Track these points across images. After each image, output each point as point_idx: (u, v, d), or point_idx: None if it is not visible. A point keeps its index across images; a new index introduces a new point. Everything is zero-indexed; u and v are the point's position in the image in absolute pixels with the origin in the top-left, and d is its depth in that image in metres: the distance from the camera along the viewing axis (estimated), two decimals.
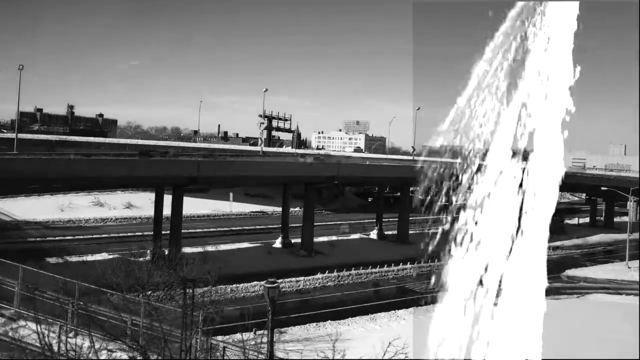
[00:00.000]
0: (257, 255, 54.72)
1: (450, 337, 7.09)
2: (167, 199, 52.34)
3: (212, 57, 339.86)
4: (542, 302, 7.06)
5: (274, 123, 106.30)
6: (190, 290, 16.26)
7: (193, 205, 68.91)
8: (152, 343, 16.19)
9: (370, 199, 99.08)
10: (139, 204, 75.92)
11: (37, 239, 56.82)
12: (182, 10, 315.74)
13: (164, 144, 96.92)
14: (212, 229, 67.52)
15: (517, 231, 6.65)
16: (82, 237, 59.57)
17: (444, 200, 6.93)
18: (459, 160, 6.53)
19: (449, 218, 7.00)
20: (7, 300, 23.54)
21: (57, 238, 56.92)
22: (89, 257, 47.19)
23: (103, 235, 60.87)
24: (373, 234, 68.86)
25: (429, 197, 6.91)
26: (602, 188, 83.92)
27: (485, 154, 6.60)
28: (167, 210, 52.40)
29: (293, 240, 59.66)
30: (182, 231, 51.71)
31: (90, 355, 15.42)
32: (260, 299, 18.94)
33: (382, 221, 69.28)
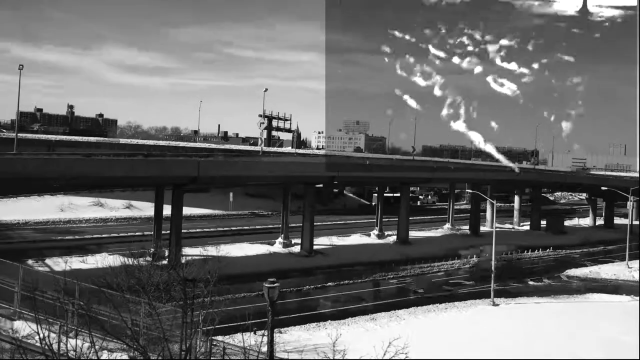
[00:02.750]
0: (257, 255, 54.74)
1: None
2: (167, 199, 52.32)
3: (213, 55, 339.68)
4: None
5: (274, 123, 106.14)
6: (190, 290, 16.25)
7: (193, 205, 68.92)
8: (152, 343, 16.17)
9: (373, 204, 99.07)
10: (139, 204, 75.95)
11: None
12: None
13: (164, 143, 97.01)
14: (212, 229, 67.55)
15: None
16: (61, 237, 59.58)
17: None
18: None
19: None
20: (7, 300, 23.56)
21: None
22: (89, 257, 47.29)
23: (103, 235, 60.92)
24: (373, 234, 68.84)
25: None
26: (602, 188, 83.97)
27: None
28: (167, 211, 52.40)
29: (293, 240, 59.65)
30: (182, 231, 51.69)
31: (90, 355, 15.40)
32: (260, 299, 18.95)
33: (382, 221, 69.25)
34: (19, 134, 61.32)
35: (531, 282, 53.16)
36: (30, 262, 43.35)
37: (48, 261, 45.31)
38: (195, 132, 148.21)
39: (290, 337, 30.81)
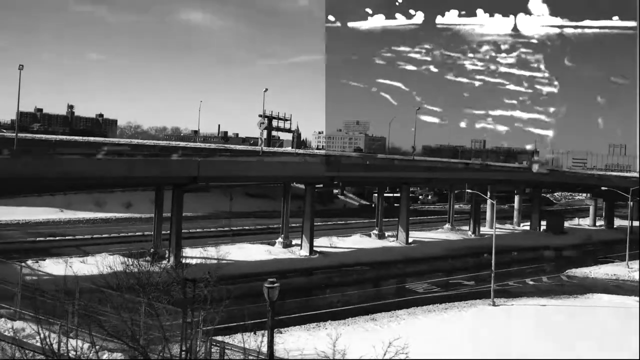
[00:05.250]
0: (257, 255, 54.69)
1: None
2: (168, 198, 52.30)
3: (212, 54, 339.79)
4: None
5: (274, 123, 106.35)
6: (191, 291, 16.26)
7: (193, 205, 68.86)
8: (153, 343, 16.17)
9: (373, 205, 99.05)
10: (139, 204, 75.91)
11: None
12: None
13: (164, 143, 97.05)
14: (212, 229, 67.50)
15: None
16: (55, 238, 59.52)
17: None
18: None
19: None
20: (7, 300, 23.56)
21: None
22: (89, 258, 47.24)
23: (103, 235, 60.91)
24: (373, 234, 68.81)
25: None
26: (602, 188, 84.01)
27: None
28: (167, 211, 52.36)
29: (293, 241, 59.65)
30: (182, 231, 51.69)
31: (90, 355, 15.41)
32: (260, 298, 18.97)
33: (382, 221, 69.23)
34: (19, 134, 61.38)
35: (531, 282, 53.18)
36: (30, 262, 43.31)
37: (48, 261, 45.26)
38: (195, 132, 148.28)
39: (290, 337, 30.82)
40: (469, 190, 73.07)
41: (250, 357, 19.55)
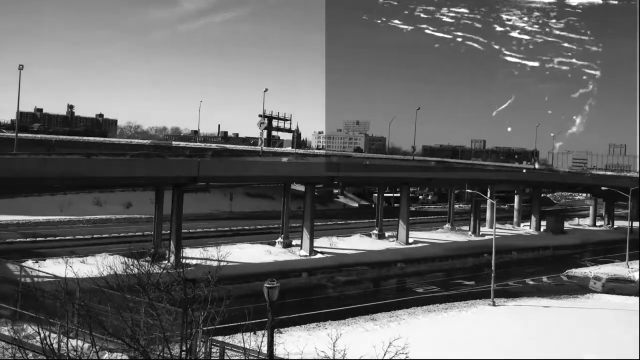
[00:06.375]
0: (257, 255, 54.72)
1: None
2: (168, 199, 52.33)
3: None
4: None
5: (274, 123, 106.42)
6: (191, 291, 16.25)
7: (193, 205, 68.91)
8: (153, 343, 16.15)
9: (373, 205, 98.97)
10: (139, 204, 75.94)
11: None
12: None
13: (163, 144, 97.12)
14: (212, 229, 67.52)
15: None
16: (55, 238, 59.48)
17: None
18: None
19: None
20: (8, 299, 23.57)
21: None
22: (89, 257, 47.25)
23: (103, 235, 60.92)
24: (373, 235, 68.82)
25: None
26: (602, 188, 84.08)
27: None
28: (167, 210, 52.39)
29: (293, 241, 59.65)
30: (182, 231, 51.68)
31: (91, 355, 15.40)
32: (260, 299, 18.95)
33: (382, 221, 69.24)
34: (19, 134, 61.40)
35: (531, 282, 53.17)
36: (29, 262, 43.33)
37: (48, 261, 45.28)
38: (195, 132, 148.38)
39: (290, 337, 30.81)
40: (469, 190, 73.09)
41: (250, 357, 19.55)
